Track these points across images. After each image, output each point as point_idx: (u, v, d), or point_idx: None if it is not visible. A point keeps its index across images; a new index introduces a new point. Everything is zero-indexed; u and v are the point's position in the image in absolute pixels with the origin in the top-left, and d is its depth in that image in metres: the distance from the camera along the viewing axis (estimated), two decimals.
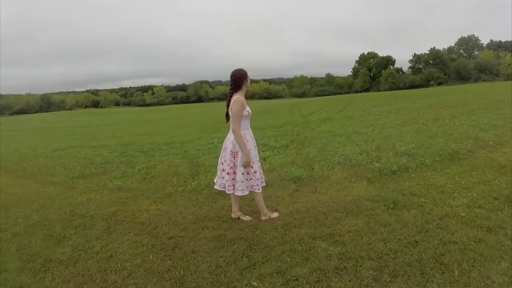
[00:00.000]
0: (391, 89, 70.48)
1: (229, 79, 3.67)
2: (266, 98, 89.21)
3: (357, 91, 78.93)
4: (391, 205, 3.97)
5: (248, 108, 3.62)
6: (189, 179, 5.82)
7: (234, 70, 3.64)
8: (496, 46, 75.14)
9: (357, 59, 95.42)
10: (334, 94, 77.56)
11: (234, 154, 3.65)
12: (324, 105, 23.78)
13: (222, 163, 3.77)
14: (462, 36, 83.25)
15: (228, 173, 3.69)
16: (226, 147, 3.72)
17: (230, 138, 3.69)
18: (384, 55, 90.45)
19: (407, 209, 3.84)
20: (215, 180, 3.97)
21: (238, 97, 3.55)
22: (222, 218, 4.09)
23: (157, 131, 16.72)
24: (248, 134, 3.70)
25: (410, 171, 5.20)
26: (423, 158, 5.74)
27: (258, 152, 3.91)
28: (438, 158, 5.67)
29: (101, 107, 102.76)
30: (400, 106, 16.66)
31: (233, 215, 4.02)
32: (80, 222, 4.29)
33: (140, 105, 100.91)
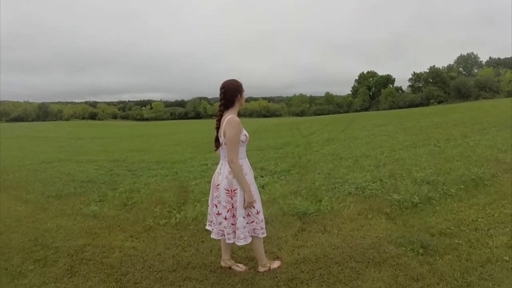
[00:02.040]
0: (391, 108, 70.42)
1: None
2: (265, 116, 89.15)
3: (356, 110, 79.04)
4: (420, 250, 3.28)
5: (244, 131, 2.87)
6: (174, 209, 5.09)
7: (225, 82, 2.87)
8: (495, 63, 75.55)
9: (357, 78, 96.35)
10: (334, 113, 77.66)
11: (230, 193, 2.84)
12: (325, 124, 23.17)
13: (216, 205, 2.95)
14: (461, 54, 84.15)
15: (225, 218, 2.88)
16: (218, 184, 2.89)
17: (223, 172, 2.87)
18: (384, 74, 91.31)
19: (440, 255, 3.19)
20: (208, 227, 3.16)
21: (232, 117, 2.76)
22: (209, 266, 3.34)
23: (150, 147, 16.17)
24: (245, 165, 2.92)
25: (433, 203, 4.55)
26: (445, 186, 5.10)
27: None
28: (462, 186, 5.10)
29: (99, 119, 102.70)
30: (405, 125, 16.09)
31: (223, 264, 3.25)
32: (42, 255, 3.75)
33: (137, 119, 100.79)
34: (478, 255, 3.12)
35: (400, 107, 66.78)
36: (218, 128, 2.88)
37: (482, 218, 3.98)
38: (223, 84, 2.85)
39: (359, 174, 6.16)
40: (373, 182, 5.46)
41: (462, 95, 67.64)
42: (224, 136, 2.78)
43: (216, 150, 3.01)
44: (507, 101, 34.49)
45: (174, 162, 9.86)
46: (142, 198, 5.81)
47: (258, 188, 5.63)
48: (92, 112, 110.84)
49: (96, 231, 4.46)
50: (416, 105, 66.76)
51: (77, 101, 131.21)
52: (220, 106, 2.85)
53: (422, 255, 3.20)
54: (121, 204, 5.57)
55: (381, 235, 3.69)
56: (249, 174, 2.92)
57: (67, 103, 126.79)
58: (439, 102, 68.38)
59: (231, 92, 2.82)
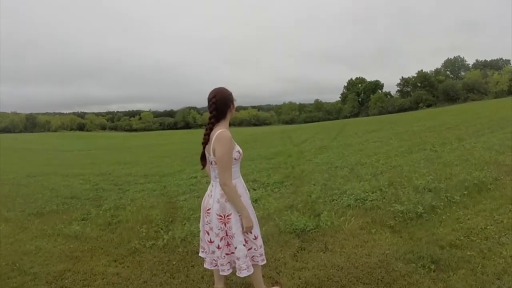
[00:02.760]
0: (380, 113, 71.00)
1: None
2: (255, 125, 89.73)
3: (346, 117, 79.74)
4: (432, 266, 3.06)
5: (238, 147, 2.52)
6: (162, 229, 4.77)
7: (216, 90, 2.50)
8: (482, 66, 76.84)
9: (345, 84, 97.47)
10: (323, 120, 78.05)
11: (223, 219, 2.48)
12: (315, 132, 23.01)
13: (207, 232, 2.59)
14: (448, 58, 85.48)
15: (219, 247, 2.53)
16: (209, 209, 2.53)
17: (215, 195, 2.51)
18: (372, 80, 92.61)
19: (453, 270, 2.98)
20: (201, 254, 2.79)
21: (222, 132, 2.40)
22: None
23: (138, 159, 15.91)
24: (240, 185, 2.57)
25: (438, 212, 4.32)
26: (448, 193, 4.90)
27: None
28: (465, 192, 4.92)
29: (87, 130, 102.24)
30: (398, 130, 16.03)
31: None
32: (19, 283, 3.50)
33: (126, 130, 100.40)
34: (493, 267, 2.95)
35: (390, 112, 67.44)
36: (205, 143, 2.50)
37: (491, 225, 3.80)
38: (213, 93, 2.47)
39: (357, 183, 5.90)
40: (373, 192, 5.20)
41: (451, 98, 68.55)
42: (214, 154, 2.42)
43: (202, 168, 2.65)
44: (496, 102, 35.01)
45: (163, 175, 9.60)
46: (128, 216, 5.49)
47: (252, 202, 5.36)
48: (80, 123, 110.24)
49: (77, 254, 4.17)
50: (405, 110, 67.52)
51: (65, 112, 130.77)
52: (210, 119, 2.46)
53: (434, 271, 2.97)
54: (105, 223, 5.27)
55: (388, 251, 3.42)
56: (244, 195, 2.58)
57: (55, 114, 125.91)
58: (428, 106, 69.19)
59: (223, 102, 2.47)
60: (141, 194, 7.17)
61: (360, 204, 4.79)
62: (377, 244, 3.61)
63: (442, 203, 4.55)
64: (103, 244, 4.43)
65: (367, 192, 5.21)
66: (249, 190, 6.01)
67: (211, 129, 2.46)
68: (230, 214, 2.46)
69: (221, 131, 2.41)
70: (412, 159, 7.83)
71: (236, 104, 2.62)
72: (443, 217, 4.16)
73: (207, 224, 2.57)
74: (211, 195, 2.54)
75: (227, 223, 2.47)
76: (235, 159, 2.46)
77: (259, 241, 2.62)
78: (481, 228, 3.76)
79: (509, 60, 75.80)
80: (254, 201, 5.55)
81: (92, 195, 7.51)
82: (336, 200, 5.08)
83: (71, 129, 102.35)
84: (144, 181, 8.96)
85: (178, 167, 11.27)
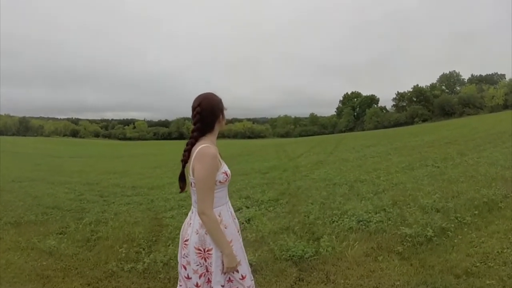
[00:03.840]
0: (376, 128, 71.20)
1: None
2: (249, 137, 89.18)
3: (341, 131, 79.93)
4: None
5: (224, 167, 2.08)
6: (144, 249, 4.41)
7: (201, 97, 2.09)
8: (477, 80, 77.46)
9: (341, 98, 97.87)
10: (319, 134, 78.13)
11: (203, 254, 2.01)
12: (311, 146, 22.76)
13: (184, 267, 2.11)
14: (443, 73, 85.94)
15: (197, 285, 2.06)
16: (187, 240, 2.07)
17: (194, 224, 2.06)
18: (368, 94, 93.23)
19: None
20: None
21: (205, 148, 1.98)
22: None
23: (128, 169, 15.71)
24: (226, 213, 2.12)
25: (450, 235, 4.01)
26: (458, 213, 4.62)
27: (240, 233, 2.27)
28: (476, 211, 4.67)
29: (80, 137, 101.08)
30: (396, 145, 15.81)
31: None
32: None
33: (120, 139, 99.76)
34: None
35: (385, 127, 67.67)
36: (185, 161, 2.08)
37: (508, 248, 3.55)
38: (198, 100, 2.07)
39: (358, 203, 5.55)
40: (376, 213, 4.85)
41: (446, 112, 68.94)
42: (194, 175, 2.00)
43: (181, 191, 2.16)
44: (492, 116, 35.18)
45: (151, 188, 9.40)
46: (109, 233, 5.16)
47: (244, 222, 4.97)
48: (74, 129, 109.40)
49: (49, 273, 3.83)
50: (401, 124, 67.80)
51: (59, 117, 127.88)
52: (193, 132, 2.06)
53: None
54: (84, 239, 4.95)
55: (398, 282, 3.07)
56: (231, 226, 2.11)
57: (48, 118, 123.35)
58: (424, 121, 69.57)
59: (210, 112, 2.06)
60: (126, 208, 6.93)
61: (364, 226, 4.43)
62: (385, 274, 3.25)
63: (453, 225, 4.26)
64: (78, 263, 4.11)
65: (370, 213, 4.85)
66: (241, 209, 5.53)
67: (192, 144, 2.05)
68: (211, 249, 1.99)
69: (203, 146, 1.99)
70: (414, 175, 7.56)
71: (227, 113, 2.20)
72: (455, 241, 3.86)
73: (184, 258, 2.10)
74: (190, 223, 2.09)
75: (207, 258, 2.01)
76: (220, 182, 2.02)
77: (248, 282, 2.13)
78: (498, 252, 3.49)
79: (504, 75, 76.81)
80: (247, 221, 5.22)
81: (75, 206, 7.27)
82: (337, 222, 4.71)
83: (64, 135, 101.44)
84: (131, 193, 8.75)
85: (168, 179, 10.99)
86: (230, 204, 2.21)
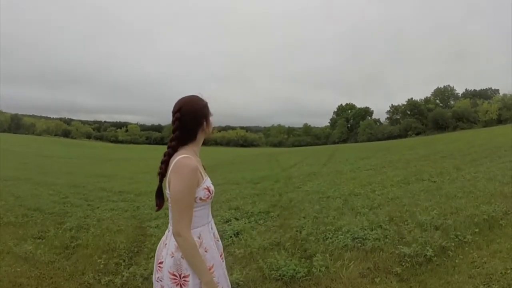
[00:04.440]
0: (369, 140, 71.81)
1: None
2: (242, 146, 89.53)
3: (334, 142, 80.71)
4: None
5: (207, 182, 1.81)
6: (124, 261, 4.21)
7: (182, 100, 1.83)
8: (471, 95, 78.64)
9: (335, 110, 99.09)
10: (312, 144, 78.94)
11: (179, 280, 1.72)
12: (304, 156, 22.66)
13: None
14: (438, 87, 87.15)
15: None
16: (161, 262, 1.80)
17: (169, 245, 1.79)
18: (362, 106, 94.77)
19: None
20: None
21: (184, 159, 1.71)
22: None
23: (117, 173, 15.80)
24: (207, 235, 1.83)
25: (450, 255, 3.81)
26: (458, 231, 4.41)
27: (223, 258, 1.99)
28: (476, 229, 4.48)
29: (72, 137, 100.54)
30: (390, 158, 15.70)
31: None
32: None
33: (112, 141, 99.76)
34: None
35: (379, 139, 68.27)
36: (162, 174, 1.83)
37: (511, 269, 3.35)
38: (178, 104, 1.81)
39: (353, 218, 5.33)
40: (372, 230, 4.62)
41: (440, 126, 69.68)
42: (169, 189, 1.74)
43: (158, 209, 1.88)
44: (487, 131, 35.39)
45: (138, 194, 9.28)
46: (89, 240, 5.01)
47: (232, 236, 4.73)
48: (66, 129, 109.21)
49: (22, 281, 3.67)
50: (395, 137, 68.44)
51: (51, 117, 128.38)
52: (171, 141, 1.79)
53: None
54: (62, 246, 4.79)
55: None
56: (212, 250, 1.83)
57: (41, 117, 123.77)
58: (417, 134, 70.27)
59: (192, 118, 1.79)
60: (111, 214, 6.78)
61: (359, 244, 4.20)
62: None
63: (453, 244, 4.06)
64: (54, 272, 3.94)
65: (365, 230, 4.62)
66: (230, 221, 5.22)
67: (170, 155, 1.79)
68: (188, 276, 1.71)
69: (182, 157, 1.71)
70: (410, 190, 7.38)
71: (218, 120, 1.96)
72: (456, 261, 3.66)
73: (158, 281, 1.83)
74: (166, 243, 1.83)
75: (183, 285, 1.72)
76: (200, 199, 1.74)
77: None
78: (501, 273, 3.31)
79: (498, 90, 78.20)
80: (235, 234, 5.01)
81: (57, 209, 7.16)
82: (331, 239, 4.47)
83: (56, 135, 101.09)
84: (117, 198, 8.67)
85: (156, 185, 10.65)
86: (213, 224, 1.94)
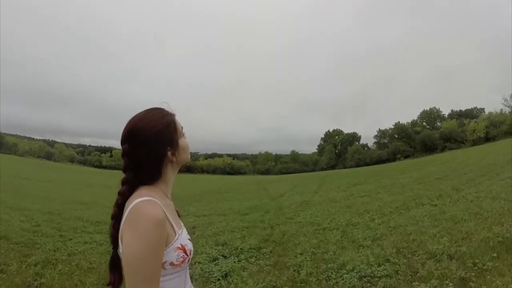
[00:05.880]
0: (357, 165, 72.14)
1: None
2: (229, 173, 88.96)
3: (323, 168, 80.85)
4: None
5: (182, 238, 1.21)
6: None
7: (132, 124, 1.23)
8: (458, 115, 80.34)
9: (323, 136, 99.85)
10: (300, 171, 78.84)
11: None
12: (294, 184, 22.27)
13: None
14: (424, 109, 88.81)
15: None
16: None
17: None
18: (350, 132, 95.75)
19: None
20: None
21: (144, 203, 1.11)
22: None
23: (97, 201, 14.92)
24: None
25: (473, 287, 3.43)
26: (475, 258, 4.07)
27: None
28: (494, 254, 4.19)
29: (55, 160, 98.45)
30: (384, 183, 15.48)
31: None
32: None
33: (95, 166, 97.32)
34: None
35: (367, 164, 68.71)
36: (115, 230, 1.19)
37: None
38: (126, 129, 1.23)
39: (355, 252, 4.87)
40: (380, 265, 4.17)
41: (428, 148, 70.60)
42: (122, 248, 1.14)
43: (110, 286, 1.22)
44: (477, 150, 35.77)
45: None
46: (55, 280, 4.48)
47: (220, 278, 4.21)
48: (49, 151, 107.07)
49: None
50: (383, 161, 69.00)
51: (35, 138, 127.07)
52: (123, 183, 1.22)
53: None
54: (24, 284, 4.34)
55: None
56: None
57: (24, 137, 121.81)
58: (406, 157, 70.94)
59: (148, 149, 1.21)
60: (83, 248, 6.29)
61: (368, 284, 3.72)
62: None
63: (473, 273, 3.72)
64: None
65: (372, 265, 4.17)
66: (217, 259, 4.67)
67: (124, 198, 1.19)
68: None
69: (141, 201, 1.12)
70: (412, 216, 7.02)
71: (188, 140, 1.35)
72: None
73: None
74: None
75: None
76: (172, 264, 1.16)
77: None
78: None
79: (483, 108, 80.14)
80: (223, 276, 4.53)
81: (26, 238, 6.71)
82: (335, 279, 3.98)
83: (38, 157, 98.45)
84: (93, 230, 8.18)
85: None
86: None
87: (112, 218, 1.20)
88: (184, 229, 1.28)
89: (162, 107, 1.30)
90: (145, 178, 1.22)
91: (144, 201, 1.12)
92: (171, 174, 1.30)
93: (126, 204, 1.16)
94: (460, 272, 3.70)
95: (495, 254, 4.14)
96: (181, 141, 1.29)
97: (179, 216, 1.33)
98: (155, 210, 1.10)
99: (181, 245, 1.18)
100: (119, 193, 1.21)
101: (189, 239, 1.26)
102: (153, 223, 1.08)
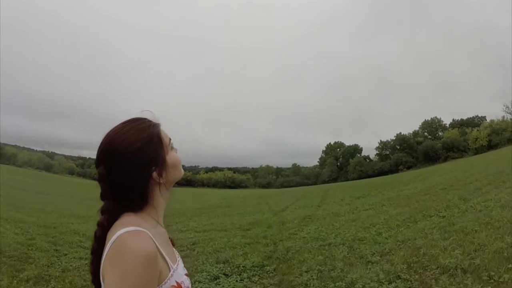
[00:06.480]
0: (359, 177, 72.00)
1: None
2: (230, 187, 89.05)
3: (324, 181, 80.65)
4: None
5: (177, 274, 1.01)
6: None
7: (109, 139, 1.04)
8: (459, 124, 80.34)
9: (324, 149, 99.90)
10: (301, 184, 78.68)
11: None
12: (296, 198, 22.07)
13: None
14: (425, 120, 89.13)
15: None
16: None
17: None
18: (351, 144, 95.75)
19: None
20: None
21: (129, 235, 0.91)
22: None
23: (94, 215, 14.24)
24: None
25: None
26: (490, 271, 3.96)
27: None
28: (509, 265, 4.07)
29: (54, 172, 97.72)
30: (388, 195, 15.30)
31: None
32: None
33: (95, 179, 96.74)
34: None
35: (369, 176, 68.52)
36: (95, 267, 1.00)
37: None
38: (102, 145, 1.05)
39: (364, 269, 4.70)
40: (391, 283, 4.01)
41: (431, 158, 70.48)
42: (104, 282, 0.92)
43: None
44: (480, 158, 35.61)
45: None
46: None
47: None
48: (48, 163, 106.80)
49: None
50: (386, 173, 68.82)
51: (34, 149, 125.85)
52: (102, 212, 1.04)
53: None
54: None
55: None
56: None
57: (23, 148, 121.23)
58: (408, 168, 70.85)
59: (128, 171, 1.01)
60: (78, 264, 6.09)
61: None
62: None
63: (490, 287, 3.61)
64: None
65: (383, 283, 4.00)
66: (218, 278, 4.50)
67: (104, 230, 1.00)
68: None
69: (124, 232, 0.92)
70: (420, 229, 6.85)
71: (178, 154, 1.14)
72: None
73: None
74: None
75: None
76: None
77: None
78: None
79: (484, 117, 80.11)
80: None
81: (19, 252, 6.53)
82: None
83: (37, 168, 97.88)
84: (89, 245, 7.61)
85: None
86: None
87: (91, 254, 1.02)
88: (180, 262, 1.09)
89: (143, 116, 1.09)
90: (128, 206, 1.02)
91: (130, 233, 0.92)
92: (161, 198, 1.08)
93: (108, 235, 0.97)
94: (476, 286, 3.58)
95: (510, 265, 4.02)
96: (169, 157, 1.08)
97: (173, 245, 1.14)
98: (143, 244, 0.90)
99: (177, 283, 0.99)
100: (98, 225, 1.03)
101: (186, 274, 1.07)
102: (142, 260, 0.88)
